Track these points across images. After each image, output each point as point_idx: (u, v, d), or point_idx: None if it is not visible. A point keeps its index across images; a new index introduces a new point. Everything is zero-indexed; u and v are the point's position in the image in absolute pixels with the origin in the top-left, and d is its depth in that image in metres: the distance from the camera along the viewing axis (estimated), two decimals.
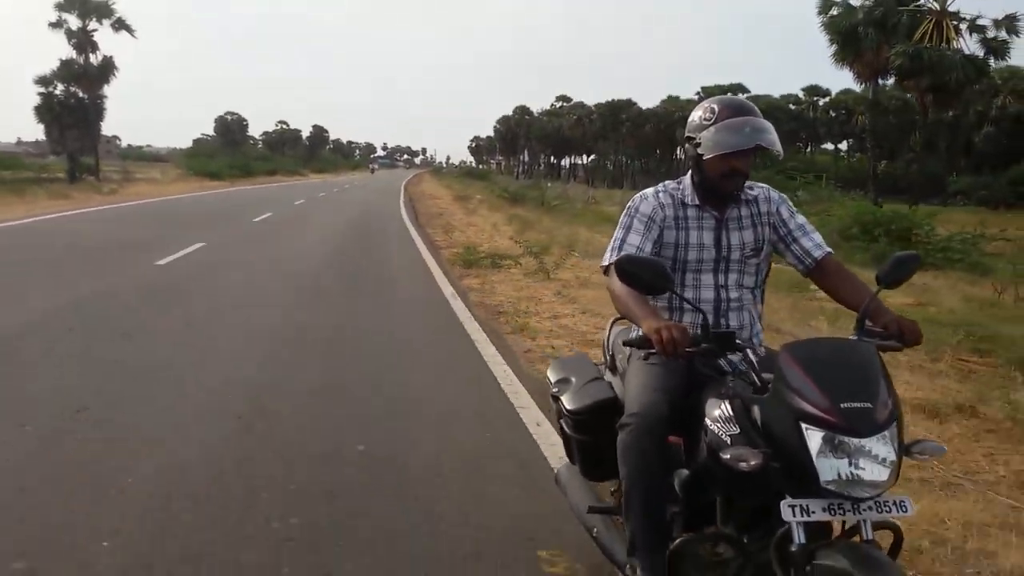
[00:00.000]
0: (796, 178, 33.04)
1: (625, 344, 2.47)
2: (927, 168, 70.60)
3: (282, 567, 2.97)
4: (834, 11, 37.45)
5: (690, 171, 2.65)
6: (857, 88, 48.89)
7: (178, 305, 8.23)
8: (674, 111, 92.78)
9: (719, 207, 2.60)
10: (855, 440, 1.87)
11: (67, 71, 49.93)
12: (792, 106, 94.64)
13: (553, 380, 2.99)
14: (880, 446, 1.88)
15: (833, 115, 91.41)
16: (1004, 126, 64.63)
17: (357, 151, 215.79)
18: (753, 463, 1.96)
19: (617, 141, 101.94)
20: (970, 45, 35.75)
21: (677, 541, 2.30)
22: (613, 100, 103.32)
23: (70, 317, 7.33)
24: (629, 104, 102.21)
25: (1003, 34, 35.14)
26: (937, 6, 36.07)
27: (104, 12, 48.22)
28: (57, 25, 47.87)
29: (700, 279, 2.60)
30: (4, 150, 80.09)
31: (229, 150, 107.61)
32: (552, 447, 4.21)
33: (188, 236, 14.22)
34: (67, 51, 49.99)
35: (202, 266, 11.20)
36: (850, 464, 1.87)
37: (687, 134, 2.57)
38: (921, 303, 10.75)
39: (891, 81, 38.92)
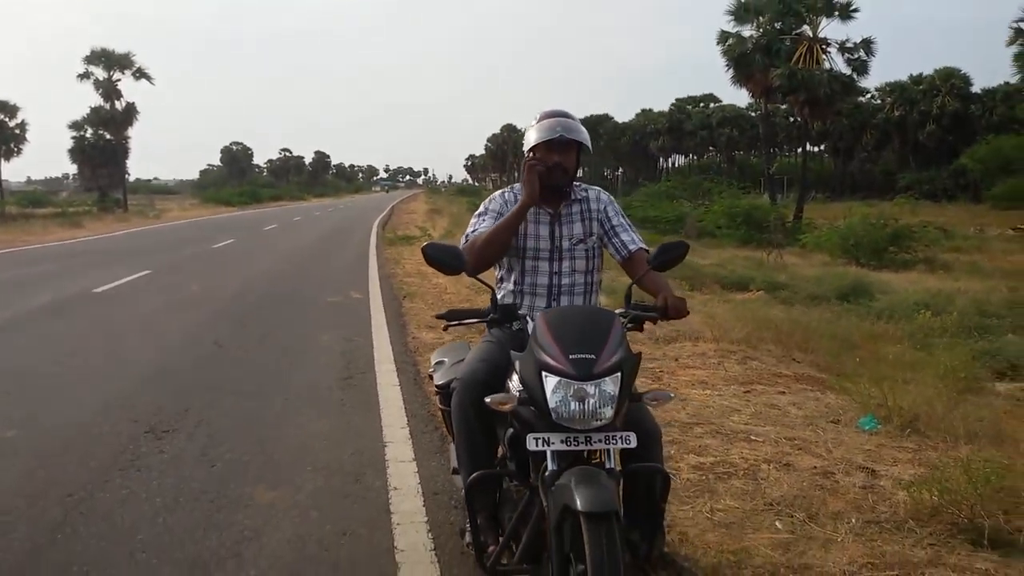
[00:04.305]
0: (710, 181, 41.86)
1: (456, 318, 2.84)
2: (880, 166, 77.33)
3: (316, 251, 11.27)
4: (730, 41, 45.44)
5: None
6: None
7: (230, 255, 16.79)
8: (646, 123, 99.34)
9: (554, 204, 3.00)
10: (578, 383, 2.29)
11: (96, 116, 57.33)
12: (754, 113, 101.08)
13: (433, 362, 3.40)
14: (601, 389, 2.30)
15: (792, 120, 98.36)
16: (945, 123, 69.44)
17: (360, 174, 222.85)
18: (508, 406, 2.42)
19: (596, 154, 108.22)
20: (840, 65, 43.60)
21: (471, 477, 2.65)
22: (592, 115, 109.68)
23: (188, 260, 16.01)
24: (606, 118, 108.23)
25: (863, 55, 43.12)
26: (811, 33, 44.05)
27: (126, 63, 54.69)
28: (85, 76, 54.25)
29: (537, 266, 2.98)
30: (16, 189, 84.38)
31: (236, 179, 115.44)
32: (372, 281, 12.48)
33: (222, 236, 22.82)
34: (89, 99, 56.03)
35: (237, 247, 19.66)
36: (577, 403, 2.29)
37: (524, 144, 2.99)
38: (719, 264, 17.51)
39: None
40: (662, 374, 6.34)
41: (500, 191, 3.15)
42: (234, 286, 11.91)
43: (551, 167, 2.91)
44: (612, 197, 3.18)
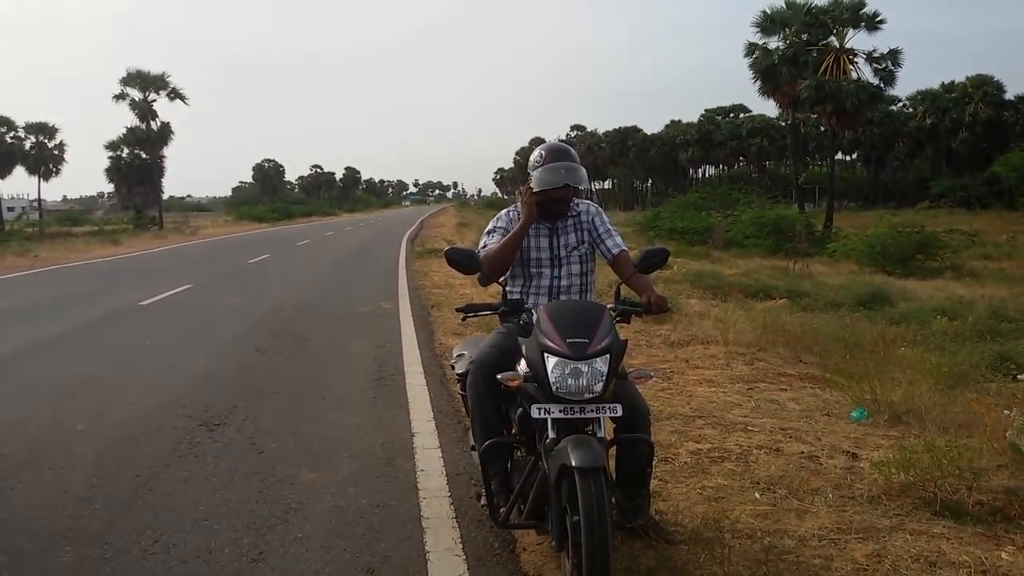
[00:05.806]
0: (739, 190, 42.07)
1: (474, 312, 3.44)
2: (913, 174, 76.62)
3: (348, 264, 11.86)
4: (757, 54, 45.69)
5: None
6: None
7: (265, 270, 17.45)
8: (675, 135, 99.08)
9: (551, 220, 3.54)
10: (573, 362, 2.76)
11: (132, 136, 58.86)
12: (784, 123, 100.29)
13: (455, 355, 3.86)
14: (592, 367, 2.76)
15: (822, 130, 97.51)
16: (978, 130, 68.60)
17: (390, 189, 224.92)
18: (516, 382, 2.91)
19: (626, 166, 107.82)
20: (868, 75, 43.63)
21: (484, 444, 3.18)
22: (620, 127, 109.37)
23: (225, 275, 16.67)
24: (635, 130, 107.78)
25: (890, 65, 43.15)
26: (837, 44, 44.17)
27: (161, 84, 56.07)
28: (121, 97, 55.59)
29: (540, 271, 3.53)
30: (53, 207, 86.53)
31: (268, 196, 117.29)
32: (402, 288, 13.04)
33: (257, 252, 23.57)
34: (125, 119, 56.17)
35: (272, 262, 20.38)
36: (572, 378, 2.76)
37: (528, 170, 3.50)
38: (744, 273, 17.69)
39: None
40: (672, 374, 6.76)
41: (505, 210, 3.66)
42: (271, 298, 12.52)
43: (553, 201, 3.46)
44: (599, 208, 3.70)
